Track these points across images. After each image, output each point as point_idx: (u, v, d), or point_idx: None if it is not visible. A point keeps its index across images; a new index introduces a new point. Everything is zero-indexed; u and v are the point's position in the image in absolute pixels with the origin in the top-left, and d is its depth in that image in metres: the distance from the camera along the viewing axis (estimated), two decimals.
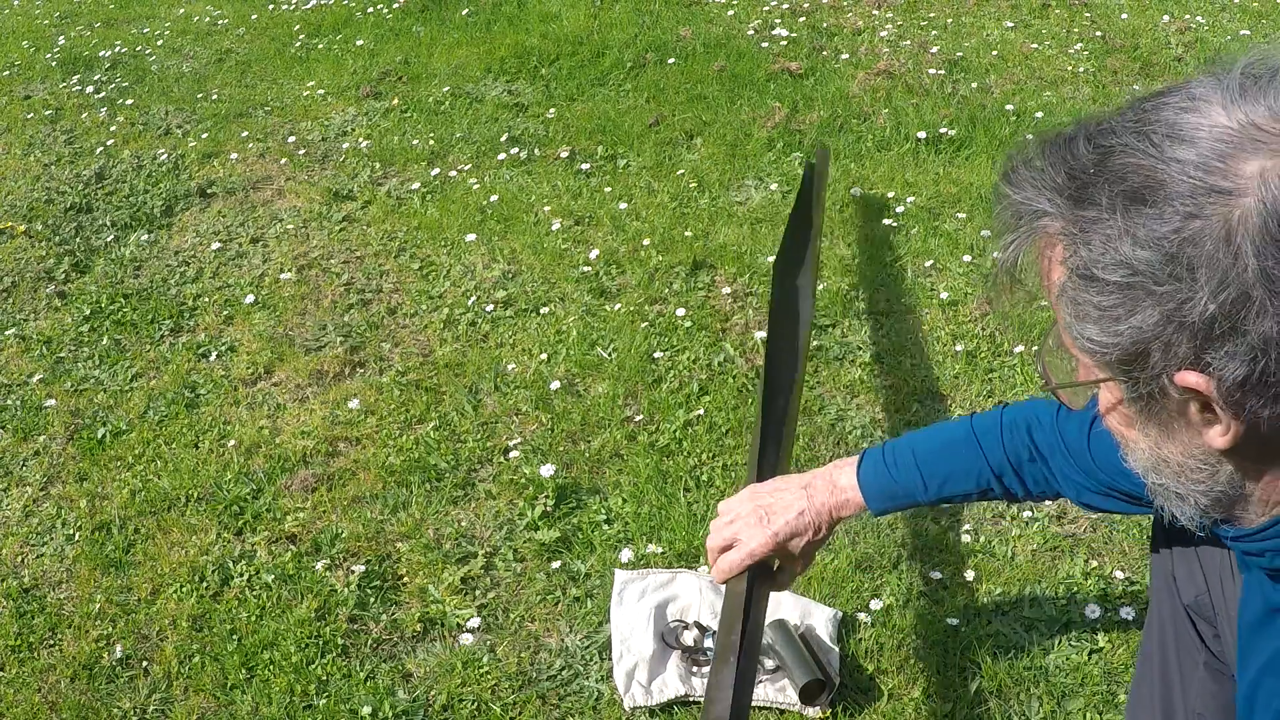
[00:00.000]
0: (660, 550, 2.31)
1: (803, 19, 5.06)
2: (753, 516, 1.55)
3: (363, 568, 2.33)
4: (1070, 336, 0.93)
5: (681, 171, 3.83)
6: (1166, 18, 4.92)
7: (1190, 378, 0.85)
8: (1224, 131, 0.83)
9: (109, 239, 3.71)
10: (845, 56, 4.63)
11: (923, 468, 1.52)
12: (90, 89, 4.96)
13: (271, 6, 5.93)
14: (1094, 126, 0.91)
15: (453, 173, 3.98)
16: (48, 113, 4.76)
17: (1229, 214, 0.81)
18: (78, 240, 3.72)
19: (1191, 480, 0.94)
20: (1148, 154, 0.85)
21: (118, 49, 5.46)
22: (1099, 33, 4.77)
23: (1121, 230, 0.85)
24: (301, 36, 5.43)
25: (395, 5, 5.66)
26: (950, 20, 5.00)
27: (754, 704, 1.99)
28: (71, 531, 2.52)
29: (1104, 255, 0.86)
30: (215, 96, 4.81)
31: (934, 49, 4.66)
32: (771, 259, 3.24)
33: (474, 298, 3.23)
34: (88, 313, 3.32)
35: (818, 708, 1.96)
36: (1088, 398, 1.01)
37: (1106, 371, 0.93)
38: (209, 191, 3.98)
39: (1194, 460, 0.93)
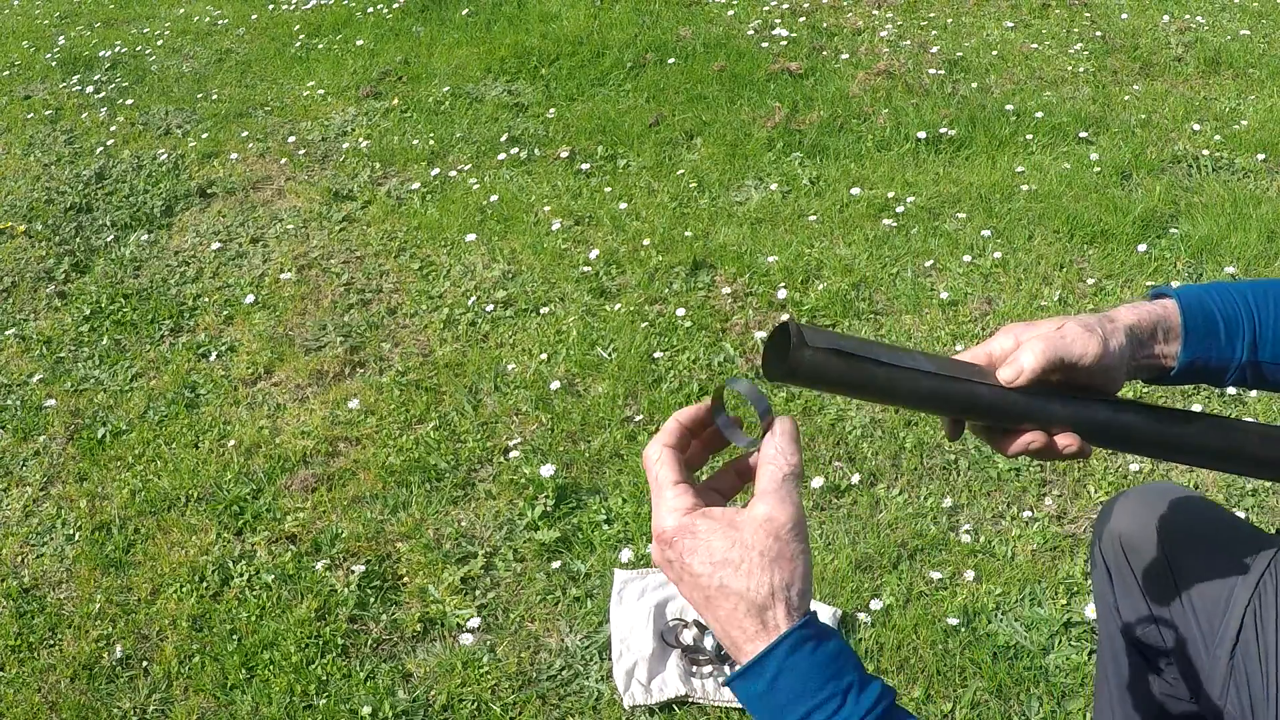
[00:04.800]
0: None
1: (803, 19, 5.06)
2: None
3: (363, 568, 2.33)
4: None
5: (681, 171, 3.83)
6: (1166, 18, 4.92)
7: None
8: None
9: (109, 239, 3.71)
10: (845, 56, 4.63)
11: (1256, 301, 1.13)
12: (90, 89, 4.96)
13: (271, 6, 5.93)
14: None
15: (453, 173, 3.98)
16: (48, 113, 4.76)
17: None
18: (78, 240, 3.72)
19: None
20: None
21: (118, 49, 5.46)
22: (1099, 33, 4.77)
23: None
24: (301, 36, 5.43)
25: (395, 5, 5.66)
26: (950, 20, 5.00)
27: None
28: (71, 531, 2.52)
29: None
30: (215, 96, 4.81)
31: (934, 49, 4.66)
32: (773, 259, 3.24)
33: (474, 298, 3.23)
34: (88, 313, 3.32)
35: None
36: None
37: None
38: (209, 191, 3.98)
39: None
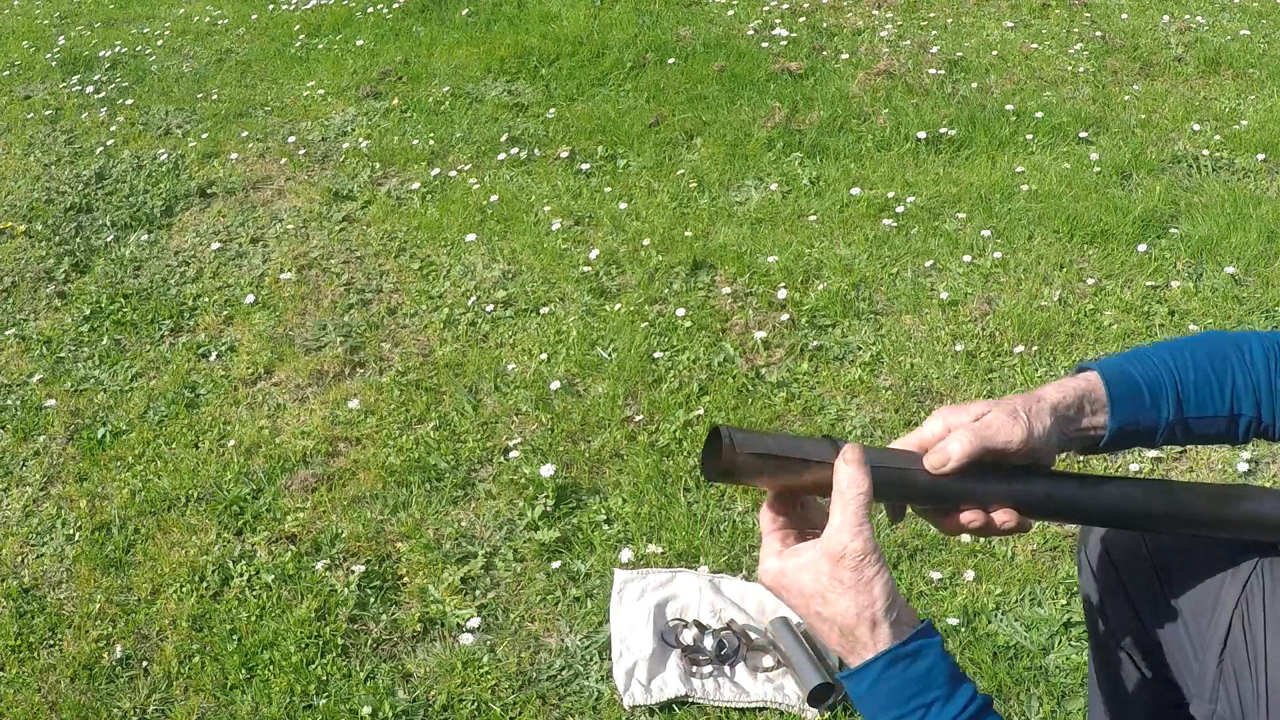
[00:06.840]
0: (660, 550, 2.31)
1: (803, 19, 5.06)
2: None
3: (363, 568, 2.33)
4: None
5: (681, 171, 3.83)
6: (1166, 18, 4.92)
7: None
8: None
9: (109, 239, 3.71)
10: (845, 56, 4.63)
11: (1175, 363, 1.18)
12: (90, 89, 4.96)
13: (271, 6, 5.94)
14: None
15: (453, 173, 3.98)
16: (48, 113, 4.76)
17: None
18: (78, 240, 3.72)
19: None
20: None
21: (118, 49, 5.46)
22: (1099, 33, 4.77)
23: None
24: (301, 36, 5.43)
25: (395, 5, 5.66)
26: (950, 20, 5.00)
27: (751, 704, 1.99)
28: (71, 531, 2.52)
29: None
30: (215, 96, 4.82)
31: (934, 49, 4.66)
32: (773, 259, 3.24)
33: (474, 298, 3.23)
34: (88, 313, 3.32)
35: (820, 709, 1.96)
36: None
37: None
38: (209, 191, 3.98)
39: None
